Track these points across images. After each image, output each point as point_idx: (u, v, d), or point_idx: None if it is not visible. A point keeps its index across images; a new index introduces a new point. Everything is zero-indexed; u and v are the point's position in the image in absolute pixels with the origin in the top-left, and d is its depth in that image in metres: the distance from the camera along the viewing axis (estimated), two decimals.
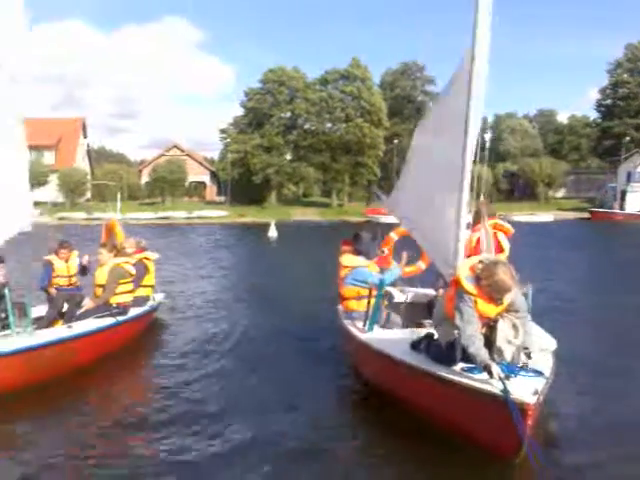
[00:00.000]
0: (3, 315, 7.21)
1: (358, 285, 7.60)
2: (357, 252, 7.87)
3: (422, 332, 6.36)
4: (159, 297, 10.49)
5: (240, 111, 71.04)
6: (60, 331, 7.52)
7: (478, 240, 6.90)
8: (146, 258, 9.88)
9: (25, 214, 7.07)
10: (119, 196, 17.84)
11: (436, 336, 5.81)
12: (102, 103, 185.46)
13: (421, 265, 9.64)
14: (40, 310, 8.44)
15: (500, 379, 4.66)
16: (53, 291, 8.84)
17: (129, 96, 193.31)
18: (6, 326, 6.99)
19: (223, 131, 72.55)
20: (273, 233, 37.13)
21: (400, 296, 8.79)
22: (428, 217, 6.51)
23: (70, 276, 9.03)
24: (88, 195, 66.48)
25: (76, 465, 5.10)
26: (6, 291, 7.07)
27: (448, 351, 5.37)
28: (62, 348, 7.19)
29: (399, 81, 78.72)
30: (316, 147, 68.98)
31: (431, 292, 8.60)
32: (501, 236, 7.15)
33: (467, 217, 6.26)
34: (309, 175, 70.28)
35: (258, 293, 14.64)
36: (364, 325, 7.13)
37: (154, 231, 37.23)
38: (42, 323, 7.88)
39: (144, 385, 7.45)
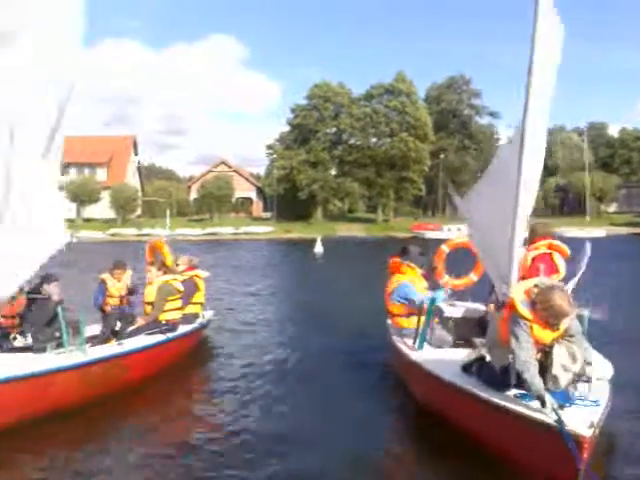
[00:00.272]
0: (57, 334, 7.36)
1: (403, 302, 7.54)
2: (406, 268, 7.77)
3: (473, 353, 6.24)
4: (209, 314, 10.56)
5: (286, 127, 71.94)
6: (110, 348, 7.63)
7: (533, 259, 6.74)
8: (196, 276, 9.98)
9: (58, 234, 6.99)
10: (168, 213, 18.19)
11: (488, 359, 5.69)
12: (151, 120, 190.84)
13: (473, 277, 9.47)
14: (94, 329, 8.59)
15: (553, 410, 4.53)
16: (108, 309, 9.03)
17: (177, 113, 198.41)
18: (60, 344, 7.13)
19: (269, 147, 73.57)
20: (319, 249, 37.19)
21: (450, 311, 8.59)
22: (493, 229, 6.36)
23: (122, 296, 9.21)
24: (139, 211, 67.94)
25: None
26: (59, 309, 7.21)
27: (502, 376, 5.25)
28: (113, 364, 7.29)
29: (445, 95, 78.34)
30: (361, 162, 69.14)
31: (482, 307, 8.34)
32: (556, 257, 6.95)
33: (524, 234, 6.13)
34: (354, 190, 70.36)
35: (306, 310, 14.64)
36: (414, 342, 7.05)
37: (201, 247, 37.77)
38: (96, 342, 8.02)
39: (194, 403, 7.46)
